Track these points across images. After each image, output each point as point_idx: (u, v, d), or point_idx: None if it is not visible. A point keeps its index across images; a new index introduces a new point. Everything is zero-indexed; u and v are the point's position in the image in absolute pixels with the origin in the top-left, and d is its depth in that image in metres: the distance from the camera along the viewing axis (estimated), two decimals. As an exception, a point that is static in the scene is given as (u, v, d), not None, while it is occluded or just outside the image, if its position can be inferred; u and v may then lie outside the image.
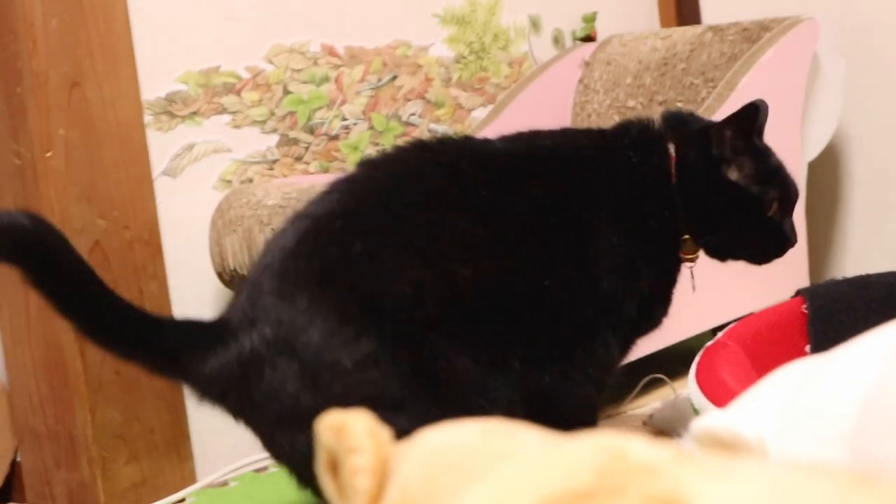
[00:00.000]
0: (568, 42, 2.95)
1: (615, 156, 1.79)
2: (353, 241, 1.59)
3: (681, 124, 1.84)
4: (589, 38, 2.95)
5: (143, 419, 2.33)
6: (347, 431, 0.93)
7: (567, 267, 1.67)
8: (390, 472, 0.93)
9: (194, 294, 2.44)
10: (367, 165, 1.73)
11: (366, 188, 1.68)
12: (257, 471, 2.35)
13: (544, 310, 1.65)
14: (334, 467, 0.96)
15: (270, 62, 2.52)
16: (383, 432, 0.94)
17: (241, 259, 2.29)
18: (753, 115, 1.82)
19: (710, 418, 1.03)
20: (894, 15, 2.74)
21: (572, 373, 1.69)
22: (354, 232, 1.60)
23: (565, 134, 1.86)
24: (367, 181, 1.69)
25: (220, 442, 2.43)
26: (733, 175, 1.80)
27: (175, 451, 2.37)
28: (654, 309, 1.84)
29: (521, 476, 0.76)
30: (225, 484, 2.33)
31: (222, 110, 2.47)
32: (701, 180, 1.79)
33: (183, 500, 2.29)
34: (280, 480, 1.70)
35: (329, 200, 1.68)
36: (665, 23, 3.06)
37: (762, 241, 1.86)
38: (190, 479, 2.38)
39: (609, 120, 2.79)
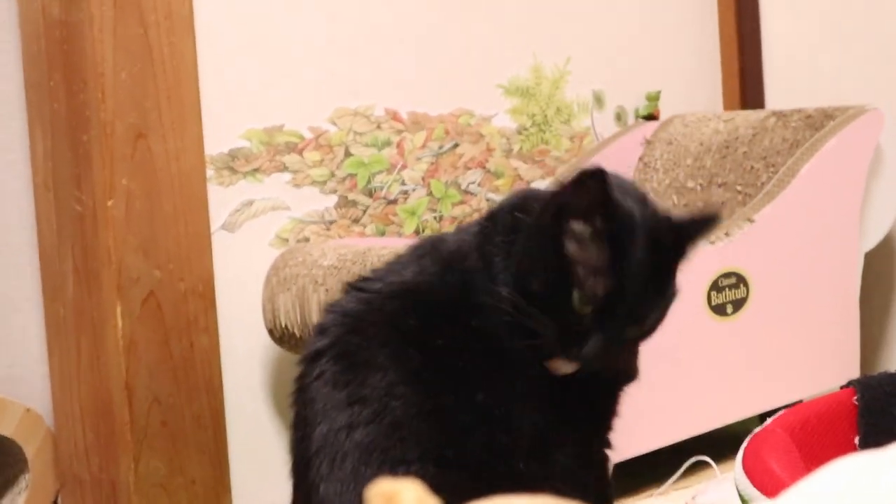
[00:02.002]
0: (630, 119, 2.95)
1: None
2: None
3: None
4: (651, 117, 2.96)
5: (185, 471, 2.33)
6: (398, 499, 0.93)
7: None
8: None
9: (245, 350, 2.44)
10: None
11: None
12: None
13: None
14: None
15: (334, 124, 2.54)
16: (434, 502, 0.94)
17: (293, 317, 2.29)
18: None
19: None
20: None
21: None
22: None
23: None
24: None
25: (262, 497, 2.42)
26: (580, 270, 1.50)
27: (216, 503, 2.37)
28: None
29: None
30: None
31: (283, 168, 2.48)
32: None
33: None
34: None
35: None
36: (728, 105, 3.06)
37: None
38: (231, 535, 2.38)
39: (668, 199, 2.79)
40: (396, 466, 1.51)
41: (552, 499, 0.92)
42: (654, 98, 2.96)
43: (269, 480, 2.43)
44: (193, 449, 2.34)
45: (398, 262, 1.69)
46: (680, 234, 1.55)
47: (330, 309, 1.66)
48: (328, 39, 2.54)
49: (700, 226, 1.56)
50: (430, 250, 1.67)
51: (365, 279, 1.68)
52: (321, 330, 1.64)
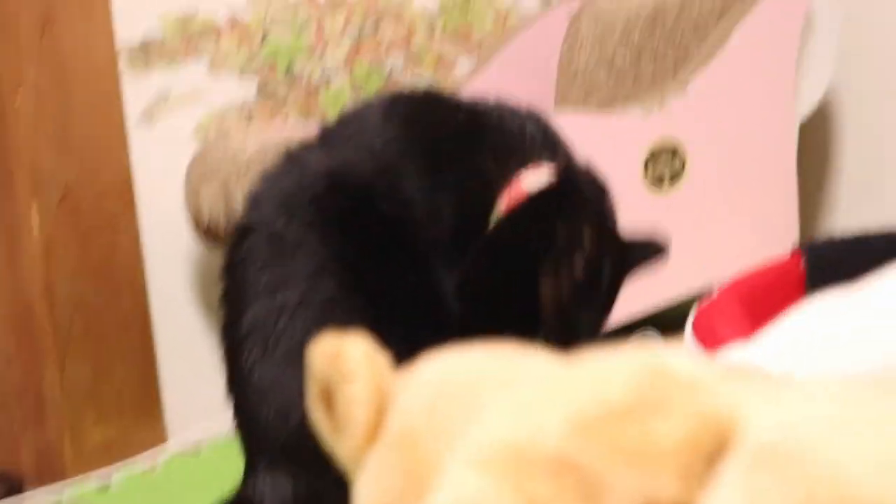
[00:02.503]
0: (555, -4, 2.87)
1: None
2: None
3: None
4: (577, -8, 2.87)
5: (113, 377, 2.24)
6: (343, 357, 0.85)
7: None
8: (390, 403, 0.85)
9: (169, 248, 2.35)
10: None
11: None
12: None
13: None
14: (327, 399, 0.88)
15: (250, 8, 2.43)
16: (381, 359, 0.87)
17: (217, 211, 2.20)
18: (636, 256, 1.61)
19: (731, 354, 0.96)
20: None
21: None
22: None
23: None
24: None
25: (194, 402, 2.34)
26: (543, 288, 1.53)
27: (145, 411, 2.28)
28: None
29: (546, 396, 0.68)
30: (198, 449, 2.24)
31: (199, 57, 2.38)
32: (506, 265, 1.56)
33: (154, 467, 2.21)
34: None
35: None
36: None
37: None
38: (160, 440, 2.30)
39: (596, 76, 2.71)
40: None
41: (511, 346, 0.85)
42: (578, -28, 2.88)
43: (202, 383, 2.35)
44: (119, 354, 2.25)
45: (343, 128, 1.63)
46: (627, 257, 1.59)
47: (265, 179, 1.60)
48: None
49: (647, 251, 1.62)
50: (378, 130, 1.60)
51: (304, 147, 1.62)
52: (253, 203, 1.59)
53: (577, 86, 2.72)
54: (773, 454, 0.58)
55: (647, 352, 0.68)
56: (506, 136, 1.60)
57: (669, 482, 0.62)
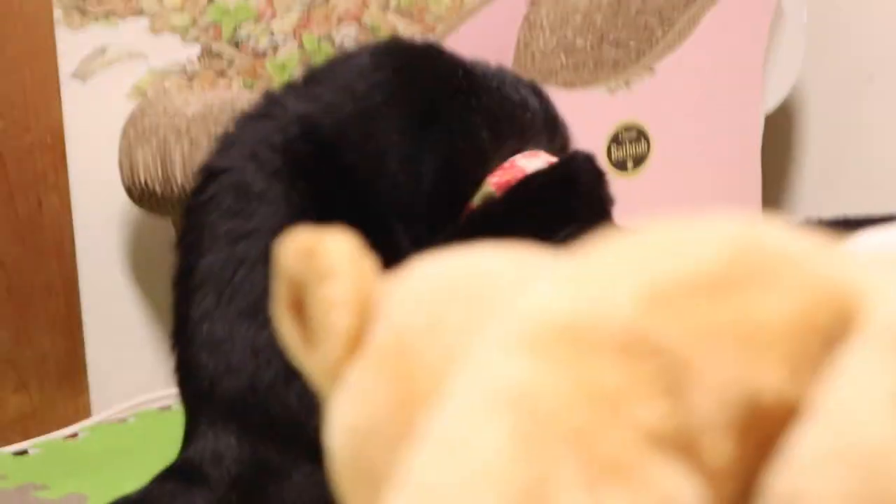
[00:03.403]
0: (514, -24, 2.75)
1: None
2: None
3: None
4: (536, -26, 2.76)
5: (35, 343, 2.09)
6: (320, 253, 0.72)
7: None
8: (375, 312, 0.72)
9: (100, 210, 2.21)
10: None
11: None
12: (162, 409, 2.12)
13: None
14: (298, 305, 0.74)
15: (196, -35, 2.30)
16: (366, 259, 0.73)
17: (153, 173, 2.06)
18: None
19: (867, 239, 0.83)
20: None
21: None
22: None
23: None
24: None
25: (121, 376, 2.20)
26: None
27: (69, 381, 2.13)
28: None
29: (608, 267, 0.54)
30: (123, 420, 2.10)
31: (140, 12, 2.24)
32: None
33: (76, 434, 2.06)
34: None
35: None
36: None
37: None
38: (84, 413, 2.15)
39: (555, 60, 2.61)
40: None
41: (521, 248, 0.72)
42: (538, -46, 2.77)
43: (131, 353, 2.22)
44: (43, 319, 2.11)
45: (328, 70, 1.52)
46: None
47: (238, 120, 1.50)
48: None
49: None
50: (355, 78, 1.49)
51: (285, 88, 1.52)
52: (223, 145, 1.49)
53: (534, 69, 2.61)
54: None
55: (741, 221, 0.55)
56: (505, 105, 1.50)
57: (774, 370, 0.49)
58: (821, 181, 2.69)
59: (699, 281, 0.51)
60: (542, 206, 1.46)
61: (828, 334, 0.50)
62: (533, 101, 1.55)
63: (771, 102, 2.50)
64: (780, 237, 0.54)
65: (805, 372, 0.49)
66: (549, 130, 1.55)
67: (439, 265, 0.72)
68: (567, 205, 1.47)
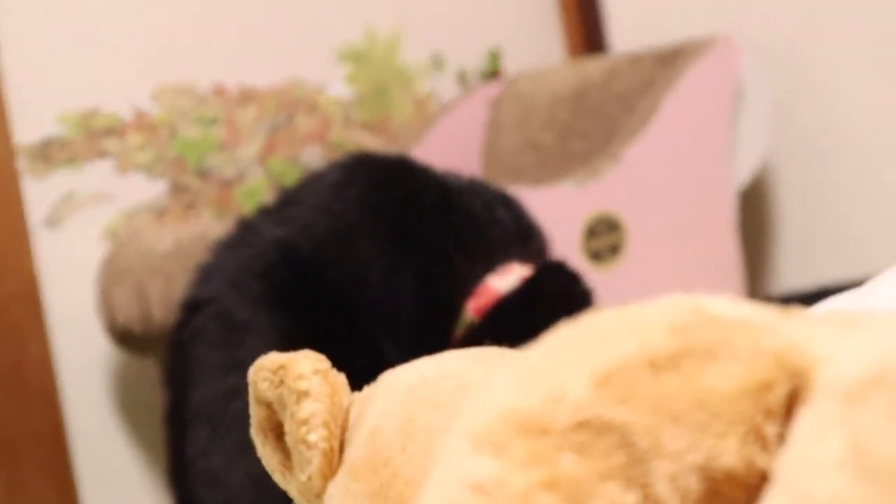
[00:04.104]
0: (473, 79, 2.76)
1: None
2: None
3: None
4: (495, 75, 2.77)
5: (28, 491, 2.07)
6: (291, 372, 0.71)
7: None
8: (351, 424, 0.71)
9: (82, 355, 2.19)
10: None
11: None
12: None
13: None
14: (275, 428, 0.74)
15: (156, 102, 2.30)
16: (336, 375, 0.73)
17: (131, 313, 2.05)
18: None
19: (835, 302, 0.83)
20: (819, 34, 2.61)
21: None
22: None
23: None
24: None
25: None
26: None
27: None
28: None
29: (559, 356, 0.54)
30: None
31: (105, 154, 2.24)
32: None
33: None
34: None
35: None
36: (572, 52, 2.89)
37: None
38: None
39: (522, 159, 2.61)
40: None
41: (488, 350, 0.72)
42: (494, 55, 2.78)
43: (123, 494, 2.19)
44: (34, 466, 2.09)
45: (300, 190, 1.52)
46: None
47: (216, 250, 1.50)
48: (143, 11, 2.31)
49: None
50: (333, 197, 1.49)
51: (259, 213, 1.52)
52: (203, 276, 1.49)
53: (502, 170, 2.61)
54: (878, 383, 0.45)
55: (681, 298, 0.55)
56: (477, 222, 1.50)
57: (731, 440, 0.49)
58: (800, 250, 2.69)
59: (647, 358, 0.51)
60: (520, 328, 1.45)
61: (782, 401, 0.49)
62: (504, 214, 1.55)
63: (742, 177, 2.50)
64: (724, 308, 0.53)
65: (763, 440, 0.49)
66: (522, 240, 1.55)
67: (409, 373, 0.72)
68: (544, 319, 1.46)
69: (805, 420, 0.47)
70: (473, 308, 1.46)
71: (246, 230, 1.54)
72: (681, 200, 2.36)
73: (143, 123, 2.29)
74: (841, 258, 2.62)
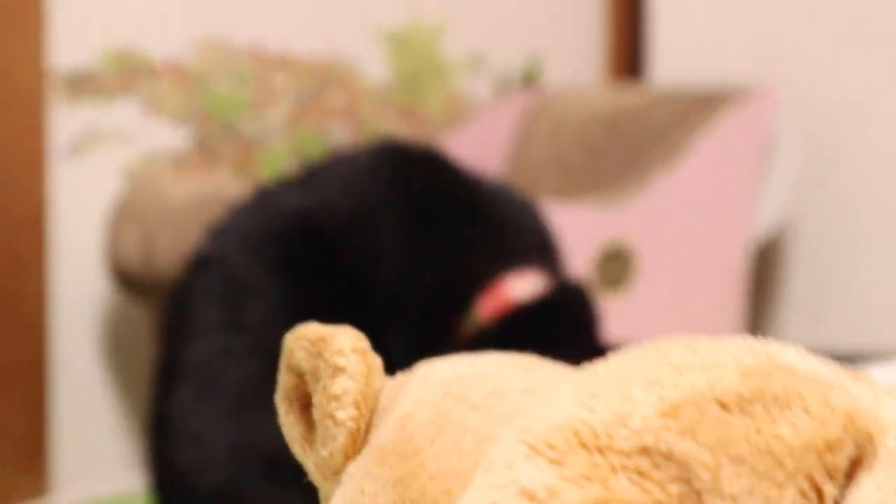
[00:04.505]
0: (509, 85, 2.75)
1: None
2: None
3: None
4: (532, 84, 2.76)
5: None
6: (331, 346, 0.70)
7: None
8: (380, 407, 0.69)
9: (80, 293, 2.17)
10: None
11: None
12: (122, 496, 2.08)
13: None
14: (302, 398, 0.72)
15: (193, 51, 2.29)
16: (374, 356, 0.71)
17: (136, 257, 2.03)
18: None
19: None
20: (859, 93, 2.59)
21: None
22: None
23: None
24: None
25: (86, 461, 2.16)
26: None
27: (28, 462, 2.09)
28: None
29: (626, 378, 0.52)
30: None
31: (135, 95, 2.22)
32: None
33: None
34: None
35: None
36: (612, 74, 2.88)
37: None
38: (42, 493, 2.10)
39: (547, 172, 2.60)
40: (271, 414, 1.32)
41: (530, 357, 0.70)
42: (534, 63, 2.77)
43: (97, 441, 2.17)
44: (7, 399, 2.06)
45: (326, 167, 1.51)
46: None
47: (230, 212, 1.48)
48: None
49: None
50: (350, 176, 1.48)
51: (279, 184, 1.51)
52: (214, 235, 1.47)
53: (526, 181, 2.60)
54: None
55: (752, 342, 0.54)
56: (500, 223, 1.49)
57: (789, 492, 0.48)
58: (805, 312, 2.68)
59: (717, 396, 0.50)
60: (534, 342, 1.44)
61: (844, 458, 0.48)
62: (528, 221, 1.55)
63: (763, 230, 2.49)
64: (794, 359, 0.53)
65: (818, 495, 0.48)
66: (541, 248, 1.55)
67: (446, 368, 0.70)
68: (558, 338, 1.45)
69: (867, 487, 0.47)
70: (486, 307, 1.45)
71: (265, 197, 1.53)
72: (698, 243, 2.34)
73: (177, 70, 2.27)
74: (847, 326, 2.61)
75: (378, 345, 1.32)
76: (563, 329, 1.45)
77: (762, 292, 2.67)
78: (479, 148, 2.63)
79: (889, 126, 2.57)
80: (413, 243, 1.44)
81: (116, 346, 2.20)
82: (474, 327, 1.44)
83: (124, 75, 2.21)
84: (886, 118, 2.57)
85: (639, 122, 2.53)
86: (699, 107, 2.46)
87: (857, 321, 2.61)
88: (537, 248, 1.55)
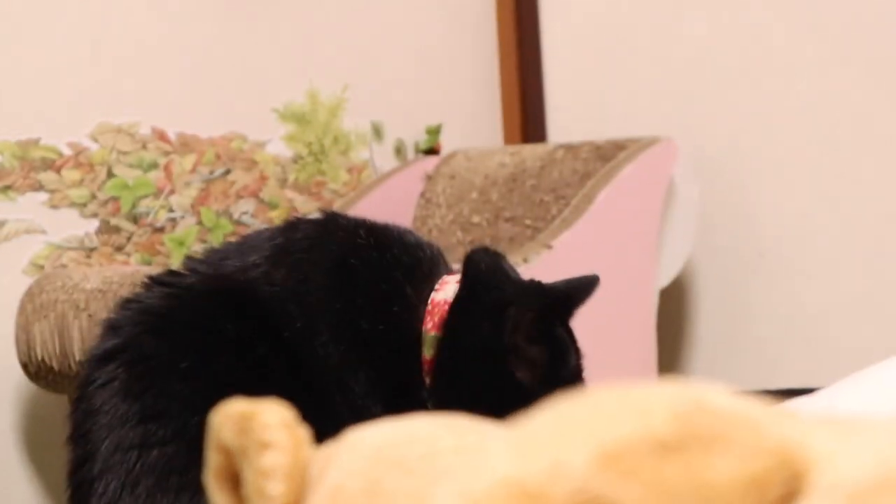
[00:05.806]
0: (410, 153, 2.79)
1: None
2: None
3: (480, 284, 1.50)
4: (432, 151, 2.80)
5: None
6: (257, 422, 0.71)
7: None
8: (310, 479, 0.71)
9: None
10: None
11: None
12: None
13: None
14: (231, 475, 0.73)
15: (96, 140, 2.30)
16: (300, 429, 0.73)
17: (51, 348, 2.03)
18: (574, 299, 1.59)
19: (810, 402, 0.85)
20: (751, 146, 2.66)
21: None
22: None
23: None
24: None
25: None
26: (520, 373, 1.46)
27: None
28: None
29: (560, 430, 0.55)
30: None
31: (39, 187, 2.23)
32: (474, 369, 1.47)
33: None
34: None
35: None
36: (509, 138, 2.92)
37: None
38: None
39: (451, 236, 2.63)
40: (200, 493, 1.29)
41: (458, 416, 0.72)
42: (434, 132, 2.81)
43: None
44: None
45: (231, 249, 1.50)
46: (569, 301, 1.57)
47: (125, 304, 1.44)
48: (92, 48, 2.31)
49: (584, 291, 1.61)
50: (259, 245, 1.48)
51: (172, 273, 1.48)
52: (113, 327, 1.42)
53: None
54: (884, 488, 0.46)
55: (682, 385, 0.56)
56: (411, 252, 1.50)
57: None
58: (713, 355, 2.72)
59: (651, 442, 0.52)
60: (479, 317, 1.45)
61: (777, 494, 0.50)
62: (420, 239, 1.57)
63: (665, 277, 2.53)
64: (726, 400, 0.55)
65: None
66: (442, 257, 1.56)
67: (374, 433, 0.72)
68: (493, 298, 1.46)
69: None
70: (431, 326, 1.46)
71: (162, 285, 1.48)
72: (605, 293, 2.37)
73: (80, 160, 2.28)
74: (748, 370, 2.66)
75: (328, 417, 1.32)
76: (492, 288, 1.46)
77: (671, 335, 2.71)
78: (384, 214, 2.64)
79: (781, 172, 2.63)
80: (343, 304, 1.45)
81: (37, 439, 2.20)
82: (432, 348, 1.45)
83: (27, 167, 2.22)
84: (778, 164, 2.63)
85: (539, 181, 2.56)
86: (599, 160, 2.50)
87: (756, 359, 2.66)
88: (441, 257, 1.57)
